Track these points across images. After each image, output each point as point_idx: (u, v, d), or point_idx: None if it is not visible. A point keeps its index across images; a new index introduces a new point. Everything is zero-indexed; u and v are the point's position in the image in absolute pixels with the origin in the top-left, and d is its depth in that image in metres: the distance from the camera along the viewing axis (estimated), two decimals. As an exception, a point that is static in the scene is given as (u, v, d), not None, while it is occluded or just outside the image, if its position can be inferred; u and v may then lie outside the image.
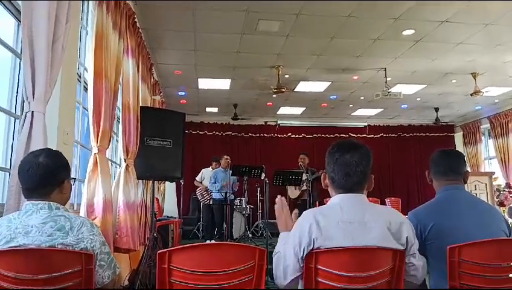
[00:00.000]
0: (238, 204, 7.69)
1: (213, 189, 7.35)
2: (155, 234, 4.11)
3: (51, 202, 1.68)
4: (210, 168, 8.21)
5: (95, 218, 2.99)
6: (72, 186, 1.90)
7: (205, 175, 8.19)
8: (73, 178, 1.91)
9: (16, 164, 2.03)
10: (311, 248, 1.54)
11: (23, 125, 2.08)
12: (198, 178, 8.28)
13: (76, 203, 3.46)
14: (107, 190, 3.13)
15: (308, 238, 1.54)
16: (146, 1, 4.61)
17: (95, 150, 3.11)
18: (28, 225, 1.59)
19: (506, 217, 7.09)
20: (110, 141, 3.36)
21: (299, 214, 1.67)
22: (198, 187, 8.06)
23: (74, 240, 1.62)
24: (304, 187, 7.17)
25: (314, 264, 1.54)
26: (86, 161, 4.03)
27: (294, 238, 1.60)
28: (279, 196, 1.94)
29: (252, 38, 5.69)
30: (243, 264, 1.61)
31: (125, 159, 3.90)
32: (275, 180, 6.35)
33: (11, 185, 2.02)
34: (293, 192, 7.48)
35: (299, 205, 7.39)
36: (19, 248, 1.55)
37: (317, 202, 7.54)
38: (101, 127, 3.12)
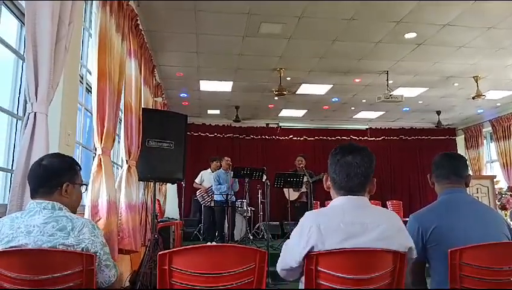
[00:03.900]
0: (239, 206, 7.69)
1: (217, 191, 7.32)
2: (156, 236, 4.11)
3: (55, 202, 1.70)
4: (209, 170, 8.21)
5: (99, 219, 2.99)
6: (82, 193, 1.92)
7: (204, 177, 8.18)
8: (84, 184, 1.93)
9: (18, 165, 2.04)
10: (309, 249, 1.54)
11: (25, 126, 2.08)
12: (197, 180, 8.27)
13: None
14: (111, 191, 3.14)
15: (305, 241, 1.55)
16: (148, 1, 4.62)
17: (99, 151, 3.12)
18: (30, 224, 1.61)
19: (508, 220, 7.07)
20: (113, 142, 3.36)
21: (299, 216, 1.68)
22: (199, 189, 8.06)
23: (75, 241, 1.63)
24: (304, 189, 7.16)
25: (314, 266, 1.54)
26: (88, 162, 4.06)
27: (294, 237, 1.62)
28: None
29: (254, 40, 5.70)
30: (243, 266, 1.62)
31: (127, 161, 3.91)
32: (276, 182, 6.36)
33: (14, 185, 2.02)
34: (292, 194, 7.47)
35: (297, 208, 7.38)
36: (20, 249, 1.56)
37: (317, 203, 7.53)
38: (105, 128, 3.13)
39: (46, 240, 1.58)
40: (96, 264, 1.67)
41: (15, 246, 1.56)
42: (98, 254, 1.68)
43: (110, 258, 1.77)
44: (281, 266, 1.69)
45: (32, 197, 1.73)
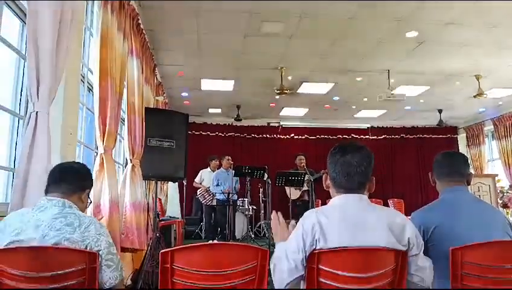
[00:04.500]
0: (241, 205, 7.69)
1: (216, 191, 7.33)
2: (158, 234, 4.12)
3: (66, 200, 1.75)
4: (208, 169, 8.20)
5: (102, 218, 3.00)
6: (88, 206, 2.01)
7: (204, 176, 8.18)
8: (90, 201, 2.04)
9: (20, 164, 2.04)
10: (313, 248, 1.54)
11: (27, 125, 2.09)
12: (197, 180, 8.25)
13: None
14: (113, 189, 3.14)
15: (311, 238, 1.55)
16: (150, 1, 4.62)
17: (101, 150, 3.13)
18: (40, 219, 1.66)
19: (510, 219, 7.05)
20: (115, 141, 3.37)
21: (301, 215, 1.68)
22: (199, 189, 8.06)
23: (80, 237, 1.66)
24: (305, 187, 7.15)
25: (316, 265, 1.55)
26: (89, 161, 4.07)
27: (297, 238, 1.59)
28: (274, 212, 1.96)
29: (255, 39, 5.70)
30: (245, 265, 1.62)
31: (131, 159, 3.91)
32: (277, 181, 6.36)
33: (15, 184, 2.03)
34: (293, 192, 7.45)
35: (299, 206, 7.37)
36: (24, 246, 1.59)
37: (319, 201, 7.50)
38: (107, 127, 3.13)
39: (53, 234, 1.62)
40: (98, 263, 1.69)
41: (23, 240, 1.60)
42: (100, 252, 1.69)
43: (114, 259, 1.76)
44: (287, 278, 1.59)
45: (47, 192, 1.79)
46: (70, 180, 1.83)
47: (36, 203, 1.75)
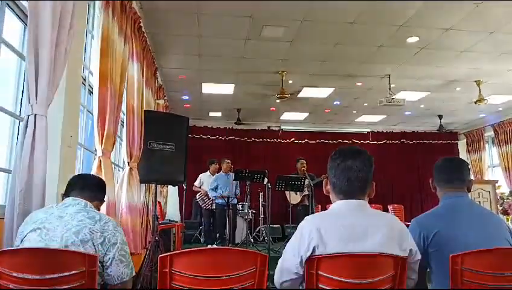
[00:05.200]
0: (241, 209, 7.67)
1: (214, 195, 7.30)
2: (157, 238, 4.10)
3: (88, 202, 1.93)
4: (208, 173, 8.18)
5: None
6: None
7: (203, 180, 8.15)
8: None
9: (18, 166, 2.04)
10: (309, 253, 1.54)
11: (25, 127, 2.08)
12: (196, 183, 8.22)
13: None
14: (110, 193, 3.14)
15: (307, 245, 1.54)
16: (151, 3, 4.63)
17: (99, 153, 3.13)
18: (64, 211, 1.83)
19: (510, 225, 7.02)
20: (114, 144, 3.36)
21: (301, 220, 1.67)
22: (199, 192, 8.04)
23: (100, 229, 1.80)
24: (306, 192, 7.14)
25: (315, 270, 1.54)
26: (89, 164, 4.06)
27: (294, 242, 1.60)
28: None
29: (256, 43, 5.71)
30: (244, 270, 1.61)
31: (128, 163, 3.91)
32: (277, 185, 6.35)
33: (19, 189, 2.02)
34: (293, 197, 7.44)
35: (299, 211, 7.35)
36: (28, 247, 1.68)
37: (318, 206, 7.49)
38: (106, 131, 3.13)
39: (75, 224, 1.77)
40: (112, 256, 1.79)
41: (46, 227, 1.74)
42: (116, 246, 1.81)
43: (126, 256, 1.87)
44: (281, 277, 1.64)
45: (71, 194, 1.94)
46: (94, 188, 2.05)
47: (62, 202, 1.93)
